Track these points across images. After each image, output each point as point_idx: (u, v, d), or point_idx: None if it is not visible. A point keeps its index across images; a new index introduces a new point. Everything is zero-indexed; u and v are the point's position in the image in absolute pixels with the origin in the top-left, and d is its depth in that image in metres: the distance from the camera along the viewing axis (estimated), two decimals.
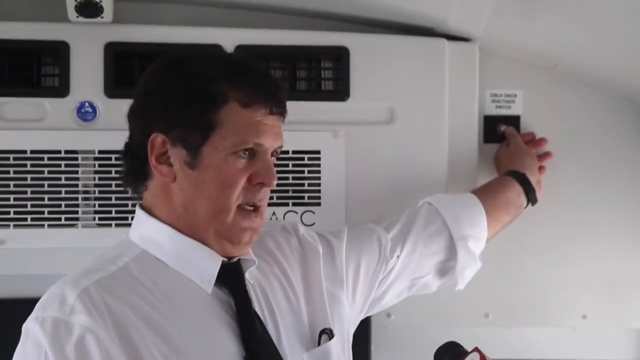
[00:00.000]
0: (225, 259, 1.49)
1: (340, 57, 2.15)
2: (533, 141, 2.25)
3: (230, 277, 1.49)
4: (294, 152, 2.10)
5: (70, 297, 1.36)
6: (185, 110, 1.44)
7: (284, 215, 2.11)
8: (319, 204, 2.12)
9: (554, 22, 2.10)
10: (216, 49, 2.00)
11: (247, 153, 1.45)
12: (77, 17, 2.01)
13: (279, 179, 2.05)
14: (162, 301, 1.42)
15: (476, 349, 1.61)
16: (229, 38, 2.09)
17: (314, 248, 1.70)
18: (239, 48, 2.09)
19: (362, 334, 2.05)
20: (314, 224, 2.11)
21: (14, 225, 2.03)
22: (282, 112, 1.50)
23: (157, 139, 1.45)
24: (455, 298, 2.10)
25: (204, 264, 1.47)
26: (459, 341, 1.71)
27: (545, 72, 2.30)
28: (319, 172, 2.12)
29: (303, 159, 2.12)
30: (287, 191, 2.11)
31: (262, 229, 1.66)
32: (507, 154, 2.21)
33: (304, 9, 2.20)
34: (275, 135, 1.48)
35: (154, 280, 1.44)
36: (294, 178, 2.12)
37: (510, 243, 2.19)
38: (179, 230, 1.47)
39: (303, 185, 2.12)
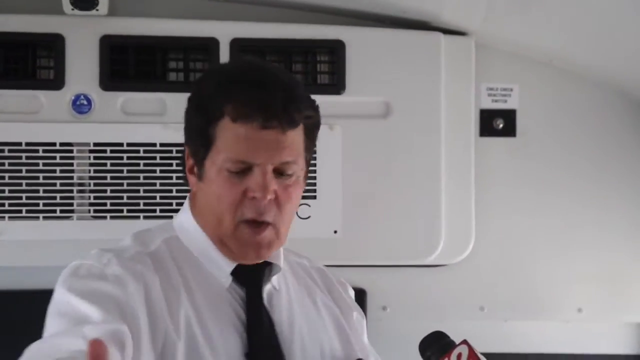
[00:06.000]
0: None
1: (336, 50, 2.15)
2: None
3: (247, 275, 1.49)
4: None
5: (107, 256, 1.40)
6: (193, 126, 1.46)
7: None
8: (314, 197, 2.13)
9: (549, 16, 2.10)
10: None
11: (240, 168, 1.41)
12: (72, 9, 2.01)
13: None
14: (180, 283, 1.44)
15: (465, 342, 1.54)
16: (224, 31, 2.10)
17: (357, 309, 1.65)
18: (235, 41, 2.09)
19: None
20: (309, 217, 2.11)
21: (9, 217, 2.03)
22: (282, 125, 1.39)
23: (186, 151, 1.49)
24: (451, 291, 2.10)
25: (221, 264, 1.48)
26: (454, 334, 1.69)
27: (541, 67, 2.30)
28: (314, 165, 2.12)
29: None
30: None
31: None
32: None
33: (300, 2, 2.20)
34: (272, 151, 1.40)
35: (178, 264, 1.47)
36: None
37: (505, 237, 2.19)
38: (204, 231, 1.49)
39: None
